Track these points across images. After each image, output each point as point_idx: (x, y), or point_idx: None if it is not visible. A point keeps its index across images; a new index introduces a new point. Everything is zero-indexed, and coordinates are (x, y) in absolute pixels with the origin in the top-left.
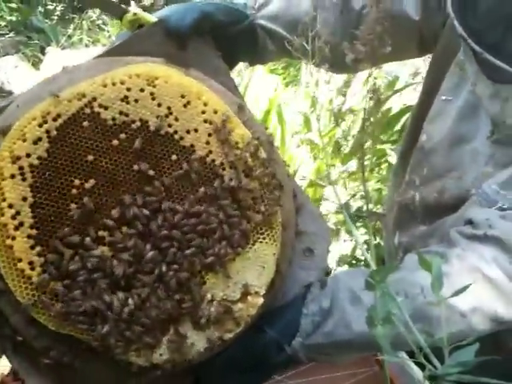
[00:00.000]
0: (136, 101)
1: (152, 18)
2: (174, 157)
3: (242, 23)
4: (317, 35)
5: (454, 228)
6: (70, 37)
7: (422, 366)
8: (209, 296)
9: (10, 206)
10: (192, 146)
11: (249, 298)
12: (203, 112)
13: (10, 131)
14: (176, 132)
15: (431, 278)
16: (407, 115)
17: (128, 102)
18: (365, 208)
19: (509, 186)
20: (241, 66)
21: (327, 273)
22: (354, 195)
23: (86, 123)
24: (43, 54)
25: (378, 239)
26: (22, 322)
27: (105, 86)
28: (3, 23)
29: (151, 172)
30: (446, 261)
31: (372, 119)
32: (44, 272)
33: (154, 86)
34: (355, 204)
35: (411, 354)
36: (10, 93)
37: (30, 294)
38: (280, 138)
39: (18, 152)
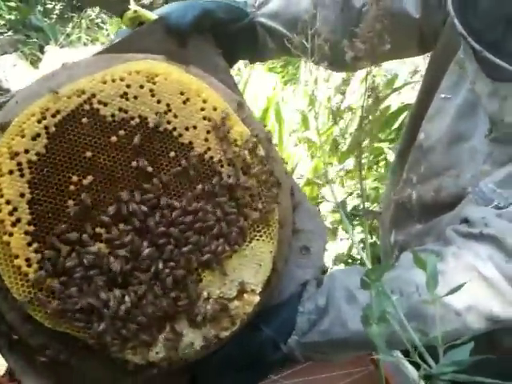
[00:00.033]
0: (135, 97)
1: (152, 15)
2: (172, 154)
3: (242, 21)
4: (316, 33)
5: (450, 226)
6: (68, 35)
7: (416, 366)
8: (205, 294)
9: (8, 203)
10: (190, 142)
11: (245, 295)
12: (202, 109)
13: (8, 127)
14: (175, 129)
15: (426, 277)
16: (405, 113)
17: (127, 99)
18: (361, 206)
19: (505, 184)
20: (240, 64)
21: (323, 271)
22: (350, 193)
23: (85, 120)
24: (42, 52)
25: (374, 238)
26: (17, 319)
27: (104, 82)
28: (2, 22)
29: (149, 169)
30: (442, 259)
31: (370, 117)
32: (41, 269)
33: (154, 83)
34: (352, 202)
35: (406, 353)
36: (7, 91)
37: (27, 291)
38: (278, 137)
39: (16, 148)
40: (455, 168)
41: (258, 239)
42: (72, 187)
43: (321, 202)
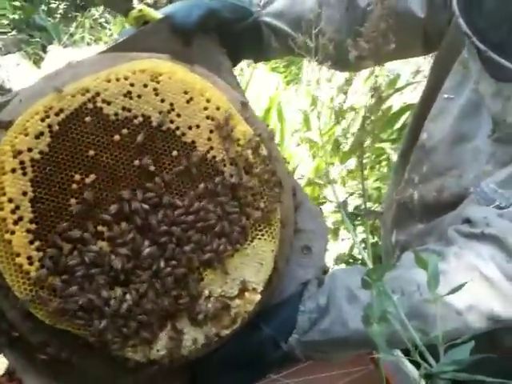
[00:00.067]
0: (139, 96)
1: (157, 14)
2: (175, 153)
3: (247, 20)
4: (321, 33)
5: (451, 226)
6: (72, 35)
7: (417, 365)
8: (206, 292)
9: (10, 201)
10: (193, 142)
11: (246, 294)
12: (205, 108)
13: (12, 125)
14: (178, 128)
15: (427, 276)
16: (407, 114)
17: (131, 98)
18: (363, 206)
19: (507, 184)
20: (242, 63)
21: (324, 271)
22: (352, 193)
23: (88, 118)
24: (45, 52)
25: (375, 238)
26: (18, 317)
27: (108, 81)
28: (6, 21)
29: (152, 168)
30: (443, 259)
31: (372, 117)
32: (42, 267)
33: (158, 82)
34: (354, 202)
35: (406, 353)
36: (10, 90)
37: (28, 289)
38: (279, 137)
39: (19, 146)
40: (457, 168)
41: (259, 238)
42: (74, 186)
43: (322, 203)
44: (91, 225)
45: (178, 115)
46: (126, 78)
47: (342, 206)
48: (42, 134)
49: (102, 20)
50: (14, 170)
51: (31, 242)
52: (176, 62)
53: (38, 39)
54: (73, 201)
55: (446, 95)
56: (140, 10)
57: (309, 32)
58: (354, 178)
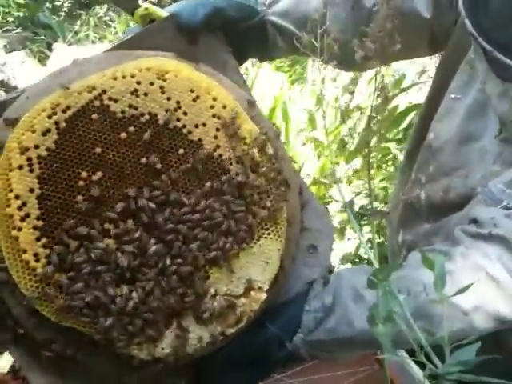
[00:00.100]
0: (145, 94)
1: (163, 12)
2: (181, 151)
3: (252, 19)
4: (326, 32)
5: (458, 226)
6: (76, 33)
7: (421, 365)
8: (212, 290)
9: (17, 197)
10: (200, 140)
11: (252, 293)
12: (212, 107)
13: (19, 122)
14: (184, 126)
15: (434, 276)
16: (413, 114)
17: (138, 96)
18: (369, 206)
19: None
20: (247, 63)
21: (330, 271)
22: (358, 193)
23: (95, 115)
24: (50, 50)
25: (381, 238)
26: (24, 314)
27: (115, 78)
28: (11, 19)
29: (159, 165)
30: (450, 259)
31: (379, 117)
32: (49, 264)
33: (164, 80)
34: (360, 202)
35: (411, 353)
36: (15, 88)
37: (34, 286)
38: (284, 136)
39: (26, 143)
40: (464, 168)
41: (265, 237)
42: (81, 183)
43: (328, 202)
44: (98, 222)
45: (185, 113)
46: (132, 76)
47: (349, 205)
48: (48, 130)
49: (107, 18)
50: (21, 167)
51: (38, 239)
52: (181, 60)
53: (42, 37)
54: (79, 198)
55: (453, 95)
56: (146, 9)
57: (314, 31)
58: (359, 178)
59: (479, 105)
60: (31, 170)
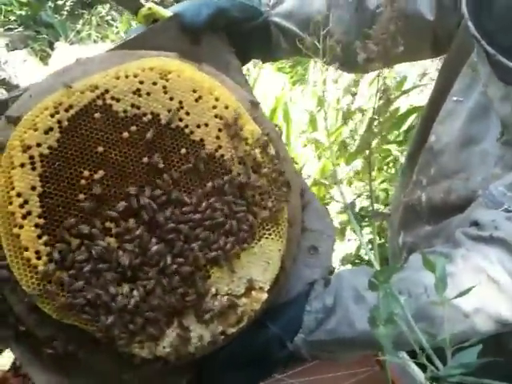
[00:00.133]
0: (148, 94)
1: (167, 12)
2: (183, 150)
3: (256, 20)
4: (329, 34)
5: (459, 229)
6: (78, 32)
7: (422, 367)
8: (213, 290)
9: (19, 195)
10: (202, 140)
11: (253, 293)
12: (214, 107)
13: (21, 120)
14: (186, 126)
15: (435, 279)
16: (414, 116)
17: (140, 95)
18: (370, 208)
19: None
20: (249, 63)
21: (330, 271)
22: (359, 195)
23: (97, 115)
24: (52, 49)
25: (382, 239)
26: (25, 311)
27: (118, 78)
28: (13, 17)
29: (161, 165)
30: (451, 261)
31: (380, 119)
32: (50, 262)
33: (167, 80)
34: (360, 203)
35: (413, 355)
36: (17, 87)
37: (36, 284)
38: (285, 137)
39: (28, 141)
40: (465, 171)
41: (267, 237)
42: (83, 181)
43: (328, 203)
44: (99, 221)
45: (187, 113)
46: (135, 76)
47: (350, 207)
48: (51, 129)
49: (109, 18)
50: (23, 165)
51: (39, 237)
52: (184, 60)
53: (44, 36)
54: (81, 196)
55: (455, 98)
56: (149, 8)
57: (317, 33)
58: (360, 179)
59: (481, 108)
60: (33, 168)
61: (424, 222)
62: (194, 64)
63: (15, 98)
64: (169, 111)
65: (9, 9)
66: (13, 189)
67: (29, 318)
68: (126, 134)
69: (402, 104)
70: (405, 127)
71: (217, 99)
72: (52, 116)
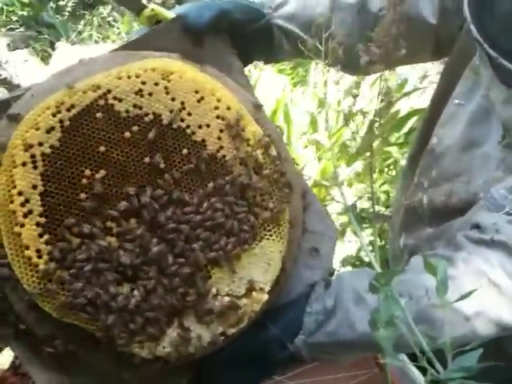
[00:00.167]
0: (150, 94)
1: (170, 14)
2: (184, 151)
3: (258, 22)
4: (331, 36)
5: (460, 232)
6: (80, 33)
7: (422, 370)
8: (214, 290)
9: (20, 194)
10: (203, 140)
11: (253, 293)
12: (216, 108)
13: (23, 120)
14: (188, 126)
15: (436, 282)
16: (414, 118)
17: (142, 96)
18: (371, 209)
19: None
20: (250, 65)
21: (331, 273)
22: (360, 197)
23: (99, 114)
24: (53, 49)
25: (382, 241)
26: (26, 309)
27: (120, 78)
28: (14, 18)
29: (162, 165)
30: (452, 264)
31: (382, 121)
32: (51, 260)
33: (169, 81)
34: (361, 205)
35: (413, 358)
36: (18, 86)
37: (36, 282)
38: (286, 138)
39: (30, 140)
40: (467, 174)
41: (268, 238)
42: (84, 181)
43: (328, 205)
44: (100, 220)
45: (189, 114)
46: (137, 76)
47: (351, 209)
48: (53, 128)
49: (110, 18)
50: (24, 164)
51: (40, 236)
52: (187, 61)
53: (46, 36)
54: (82, 196)
55: (457, 101)
56: (152, 10)
57: (319, 35)
58: (361, 181)
59: (483, 111)
60: (35, 167)
61: (425, 224)
62: (196, 65)
63: (17, 97)
64: (171, 112)
65: (10, 9)
66: (14, 187)
67: (29, 316)
68: (127, 134)
69: (403, 106)
70: (405, 129)
71: (219, 100)
72: (54, 115)
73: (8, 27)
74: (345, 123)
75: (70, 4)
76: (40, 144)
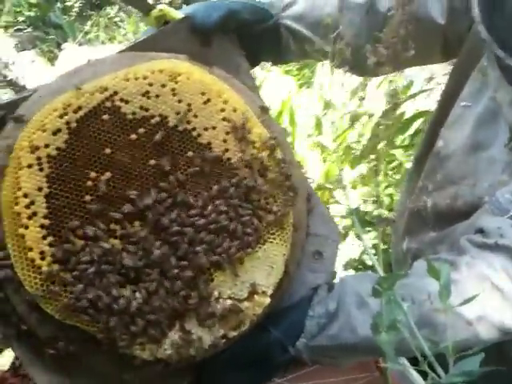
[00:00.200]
0: (157, 96)
1: (178, 14)
2: (190, 153)
3: (266, 22)
4: (339, 37)
5: (464, 236)
6: (86, 33)
7: (423, 374)
8: (216, 293)
9: (25, 196)
10: (209, 143)
11: (256, 297)
12: (222, 110)
13: (30, 121)
14: (194, 129)
15: (439, 286)
16: (420, 120)
17: (149, 97)
18: (374, 213)
19: None
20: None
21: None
22: (365, 201)
23: (106, 116)
24: (59, 50)
25: (385, 244)
26: (28, 311)
27: (127, 80)
28: (22, 18)
29: (167, 167)
30: (455, 268)
31: (387, 122)
32: (54, 262)
33: (176, 82)
34: (364, 208)
35: (413, 362)
36: (24, 87)
37: (39, 284)
38: (291, 141)
39: (36, 142)
40: (472, 177)
41: (271, 242)
42: (90, 183)
43: (331, 207)
44: (104, 222)
45: (195, 116)
46: (144, 78)
47: (355, 212)
48: (59, 130)
49: (117, 19)
50: (30, 166)
51: (44, 238)
52: (194, 63)
53: (53, 37)
54: (87, 198)
55: (464, 103)
56: (161, 10)
57: (327, 36)
58: (365, 184)
59: (490, 113)
60: (40, 169)
61: (429, 228)
62: (204, 67)
63: (24, 98)
64: (177, 114)
65: (18, 10)
66: (19, 189)
67: (31, 317)
68: (133, 136)
69: (408, 108)
70: (410, 132)
71: (225, 102)
72: (61, 117)
73: (15, 28)
74: (351, 125)
75: (77, 5)
76: (46, 146)
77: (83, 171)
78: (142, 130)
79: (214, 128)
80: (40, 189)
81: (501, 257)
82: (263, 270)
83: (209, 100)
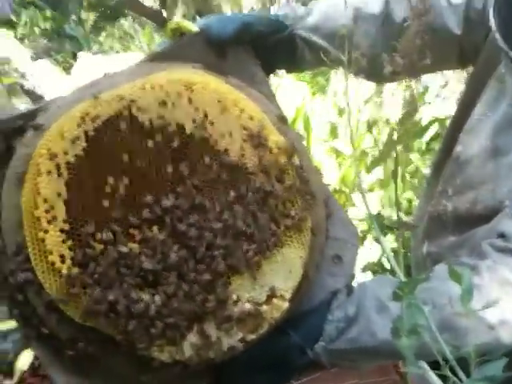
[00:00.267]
0: (173, 105)
1: (194, 27)
2: (207, 160)
3: (281, 33)
4: (355, 47)
5: (485, 240)
6: (101, 44)
7: (443, 378)
8: (234, 297)
9: (45, 201)
10: (226, 150)
11: (274, 300)
12: (239, 118)
13: (43, 128)
14: (211, 136)
15: (461, 291)
16: (435, 126)
17: (166, 106)
18: (392, 217)
19: None
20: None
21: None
22: (383, 206)
23: (123, 125)
24: (75, 60)
25: (404, 248)
26: (48, 313)
27: (144, 89)
28: (37, 30)
29: (185, 174)
30: (477, 273)
31: (404, 128)
32: (74, 266)
33: (192, 91)
34: (383, 212)
35: (433, 366)
36: (40, 97)
37: (59, 287)
38: (306, 146)
39: (55, 149)
40: (491, 182)
41: (289, 245)
42: (108, 189)
43: (348, 211)
44: (123, 227)
45: (212, 123)
46: (161, 87)
47: (375, 218)
48: (78, 138)
49: (131, 31)
50: (49, 172)
51: (64, 241)
52: (210, 72)
53: (68, 47)
54: (106, 203)
55: (482, 110)
56: (177, 23)
57: (342, 46)
58: (382, 187)
59: (509, 120)
60: (59, 175)
61: (449, 232)
62: (220, 77)
63: (42, 108)
64: (193, 122)
65: (33, 22)
66: (39, 194)
67: (51, 319)
68: (151, 143)
69: (424, 114)
70: (427, 137)
71: (242, 110)
72: (79, 126)
73: (31, 39)
74: (368, 129)
75: (91, 17)
76: (65, 153)
77: (101, 177)
78: (159, 138)
79: (230, 135)
80: (59, 194)
81: None
82: (281, 274)
83: (225, 108)
